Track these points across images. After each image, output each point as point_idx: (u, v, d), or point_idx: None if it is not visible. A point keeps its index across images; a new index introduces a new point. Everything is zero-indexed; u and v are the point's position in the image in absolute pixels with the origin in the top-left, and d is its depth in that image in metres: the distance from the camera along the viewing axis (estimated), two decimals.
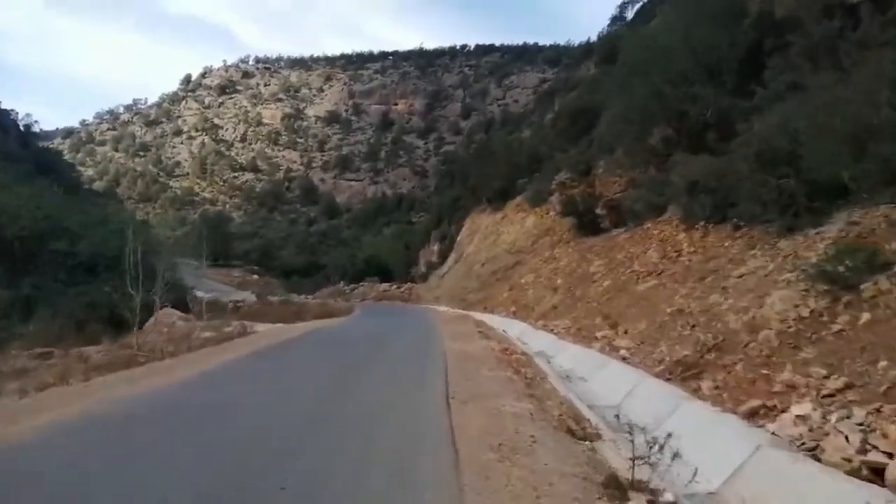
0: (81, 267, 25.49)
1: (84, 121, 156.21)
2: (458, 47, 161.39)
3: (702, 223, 16.36)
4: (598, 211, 28.10)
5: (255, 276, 71.13)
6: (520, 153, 41.55)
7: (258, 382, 9.83)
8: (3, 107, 70.88)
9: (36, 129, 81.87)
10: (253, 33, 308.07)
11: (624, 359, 9.70)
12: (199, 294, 50.08)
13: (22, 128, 76.09)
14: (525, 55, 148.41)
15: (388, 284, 57.74)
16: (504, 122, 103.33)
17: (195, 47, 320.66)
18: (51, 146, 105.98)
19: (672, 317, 11.30)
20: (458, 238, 48.72)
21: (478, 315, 25.97)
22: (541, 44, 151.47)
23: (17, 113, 76.05)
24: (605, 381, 9.54)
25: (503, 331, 19.29)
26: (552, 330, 15.95)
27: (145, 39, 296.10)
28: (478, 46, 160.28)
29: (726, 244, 14.01)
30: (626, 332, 11.90)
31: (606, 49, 42.49)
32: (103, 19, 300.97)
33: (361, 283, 60.58)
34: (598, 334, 12.46)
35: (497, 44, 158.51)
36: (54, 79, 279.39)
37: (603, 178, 29.29)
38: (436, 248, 57.53)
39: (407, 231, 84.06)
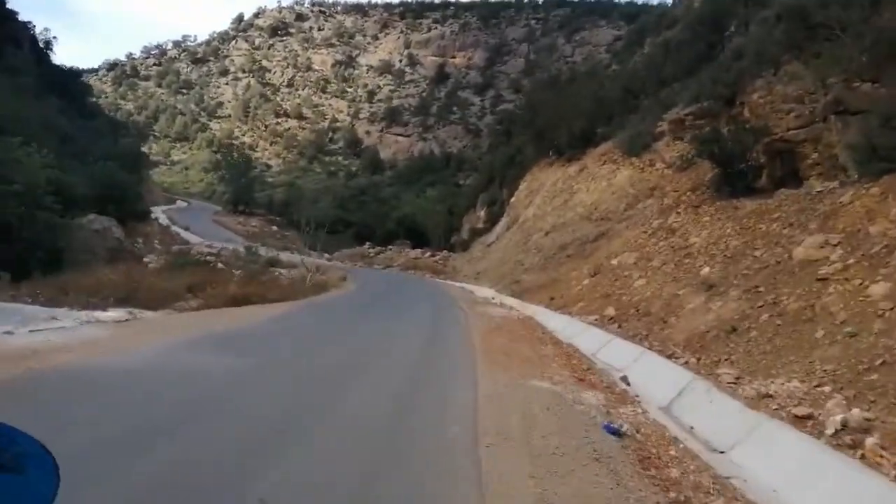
0: None
1: (130, 54, 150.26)
2: None
3: None
4: (753, 159, 17.16)
5: (275, 228, 62.70)
6: (611, 85, 30.15)
7: None
8: (21, 19, 63.84)
9: (60, 49, 74.41)
10: None
11: None
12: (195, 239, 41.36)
13: (42, 44, 69.11)
14: (599, 9, 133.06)
15: (420, 251, 47.68)
16: (573, 80, 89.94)
17: None
18: (89, 76, 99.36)
19: None
20: (513, 199, 37.92)
21: (548, 316, 15.48)
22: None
23: (35, 26, 68.75)
24: None
25: (623, 377, 8.75)
26: (810, 421, 5.51)
27: None
28: None
29: None
30: None
31: None
32: None
33: (390, 247, 50.84)
34: None
35: None
36: (107, 16, 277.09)
37: (761, 105, 18.04)
38: (482, 213, 46.87)
39: (453, 193, 73.79)
